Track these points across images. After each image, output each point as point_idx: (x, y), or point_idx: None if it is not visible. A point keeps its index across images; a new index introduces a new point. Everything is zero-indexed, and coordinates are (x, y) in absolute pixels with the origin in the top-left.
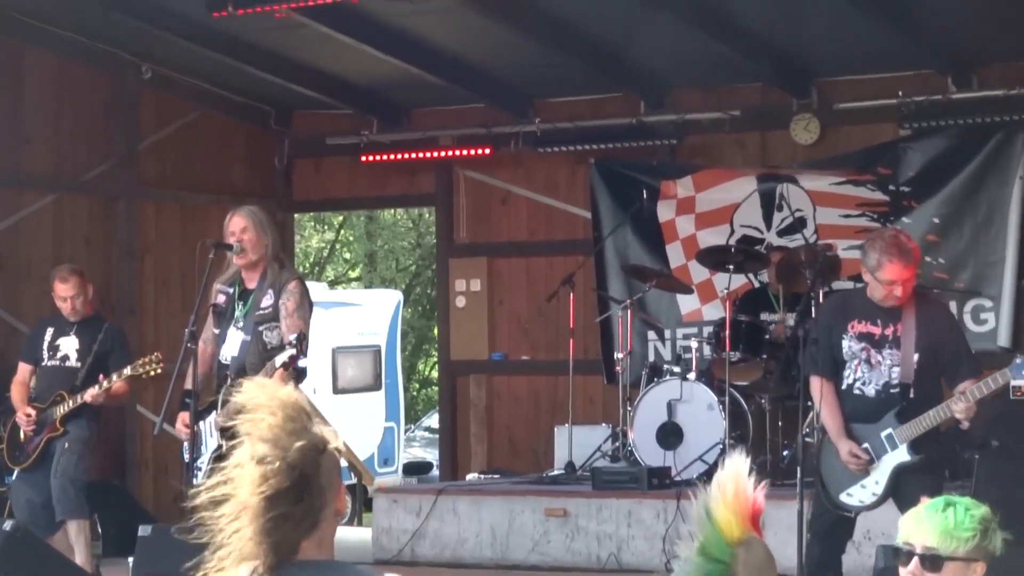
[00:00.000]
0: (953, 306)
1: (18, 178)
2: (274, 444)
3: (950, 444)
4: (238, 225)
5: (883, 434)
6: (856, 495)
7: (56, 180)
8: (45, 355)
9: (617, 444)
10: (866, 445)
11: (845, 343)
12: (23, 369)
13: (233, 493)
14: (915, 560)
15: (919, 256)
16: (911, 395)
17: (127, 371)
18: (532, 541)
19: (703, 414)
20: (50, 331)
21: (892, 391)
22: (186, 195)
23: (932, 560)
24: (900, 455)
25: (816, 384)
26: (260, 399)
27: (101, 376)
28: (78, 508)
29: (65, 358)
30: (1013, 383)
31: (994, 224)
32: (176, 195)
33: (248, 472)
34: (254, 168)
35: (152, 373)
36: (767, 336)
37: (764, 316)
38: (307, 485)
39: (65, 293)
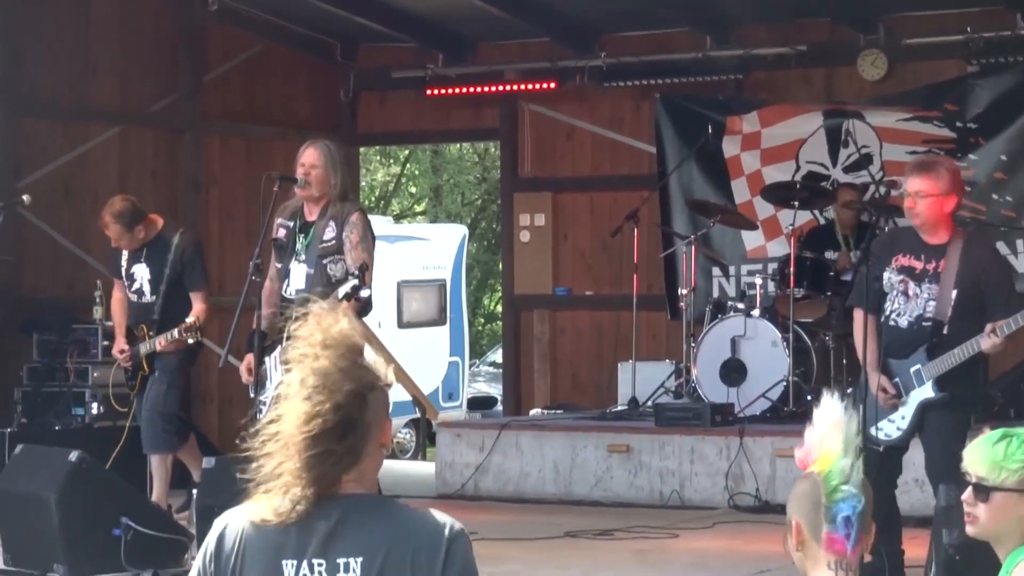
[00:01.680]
0: (1021, 244)
1: (85, 109)
2: (323, 384)
3: (982, 383)
4: (310, 158)
5: (912, 369)
6: (884, 428)
7: (122, 112)
8: (125, 281)
9: (680, 380)
10: (897, 380)
11: (886, 275)
12: (119, 285)
13: (280, 427)
14: (969, 489)
15: (947, 175)
16: (944, 331)
17: (172, 335)
18: (595, 477)
19: (767, 351)
20: (124, 255)
21: (924, 324)
22: (251, 128)
23: (981, 490)
24: (926, 391)
25: (857, 317)
26: (315, 335)
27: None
28: (163, 442)
29: (140, 292)
30: None
31: None
32: (241, 128)
33: (295, 409)
34: (319, 101)
35: (191, 340)
36: (831, 273)
37: (829, 253)
38: (351, 426)
39: (110, 234)
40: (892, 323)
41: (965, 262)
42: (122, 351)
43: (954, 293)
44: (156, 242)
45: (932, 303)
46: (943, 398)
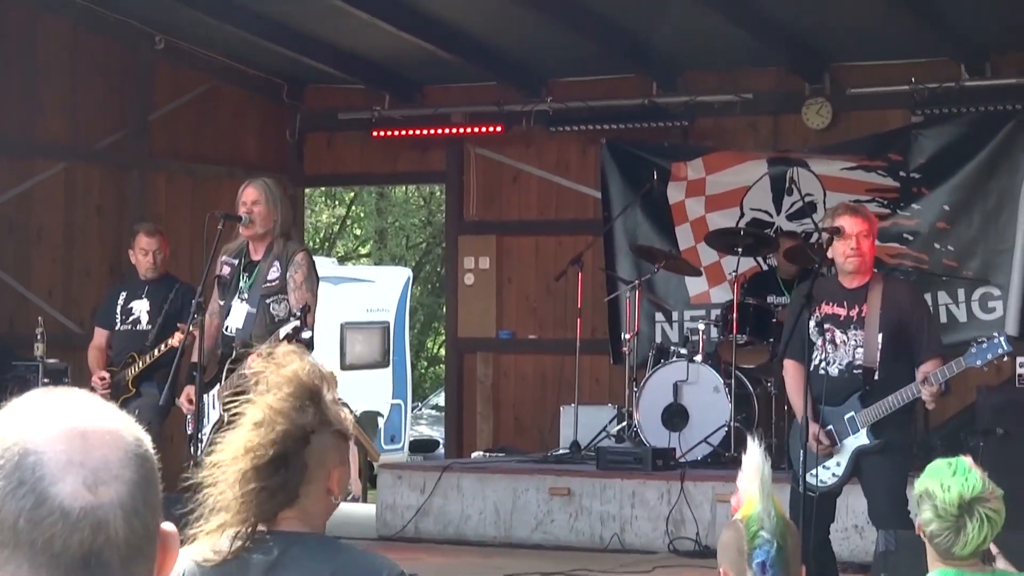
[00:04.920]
0: (962, 294)
1: (30, 146)
2: (263, 420)
3: (913, 428)
4: (250, 196)
5: (846, 417)
6: (820, 475)
7: (68, 149)
8: (118, 320)
9: (622, 425)
10: (830, 427)
11: (812, 324)
12: (99, 334)
13: (220, 458)
14: None
15: (874, 219)
16: (876, 377)
17: (168, 342)
18: (536, 520)
19: (709, 396)
20: (123, 295)
21: (855, 372)
22: (198, 167)
23: None
24: (860, 438)
25: (785, 367)
26: (269, 372)
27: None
28: None
29: (136, 321)
30: (987, 362)
31: (1004, 212)
32: (188, 167)
33: (235, 441)
34: (266, 141)
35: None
36: (774, 319)
37: (772, 299)
38: (284, 462)
39: (148, 247)
40: (822, 372)
41: (887, 304)
42: (102, 378)
43: (880, 337)
44: (163, 280)
45: (860, 349)
46: (878, 444)
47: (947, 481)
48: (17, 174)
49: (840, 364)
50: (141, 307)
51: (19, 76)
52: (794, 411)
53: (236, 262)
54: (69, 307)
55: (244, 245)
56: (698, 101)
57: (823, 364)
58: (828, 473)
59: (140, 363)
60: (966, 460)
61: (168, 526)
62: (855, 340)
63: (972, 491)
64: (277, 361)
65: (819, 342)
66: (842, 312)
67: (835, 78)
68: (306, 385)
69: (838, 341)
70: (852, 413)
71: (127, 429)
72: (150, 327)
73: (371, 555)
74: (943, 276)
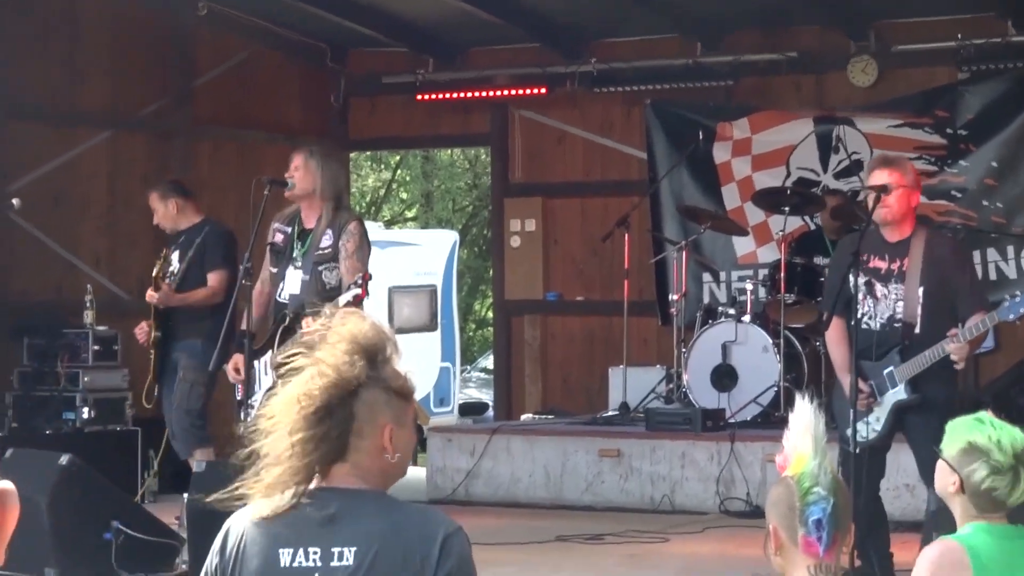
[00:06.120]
0: (1011, 251)
1: (74, 115)
2: (313, 371)
3: (959, 384)
4: (294, 161)
5: (885, 372)
6: (859, 431)
7: (112, 117)
8: (167, 276)
9: (671, 386)
10: (871, 382)
11: (852, 278)
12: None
13: (273, 408)
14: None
15: (912, 170)
16: (916, 332)
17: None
18: (586, 481)
19: (757, 356)
20: (167, 249)
21: (895, 325)
22: (241, 133)
23: (936, 451)
24: (899, 393)
25: (826, 323)
26: (327, 331)
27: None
28: (195, 439)
29: (172, 273)
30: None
31: None
32: (231, 133)
33: (287, 392)
34: (310, 106)
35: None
36: (821, 278)
37: (818, 259)
38: (330, 412)
39: (154, 206)
40: (864, 326)
41: (929, 260)
42: (141, 327)
43: (920, 291)
44: (192, 230)
45: (900, 303)
46: (915, 399)
47: (993, 434)
48: (62, 143)
49: (881, 318)
50: (175, 257)
51: (62, 45)
52: (836, 371)
53: (289, 230)
54: (116, 275)
55: (297, 213)
56: (742, 60)
57: (865, 318)
58: (868, 428)
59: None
60: (990, 414)
61: (5, 484)
62: (896, 294)
63: (1020, 440)
64: (335, 321)
65: (862, 296)
66: (883, 265)
67: (880, 35)
68: (360, 342)
69: (879, 295)
70: (891, 368)
71: None
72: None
73: (429, 511)
74: (992, 233)
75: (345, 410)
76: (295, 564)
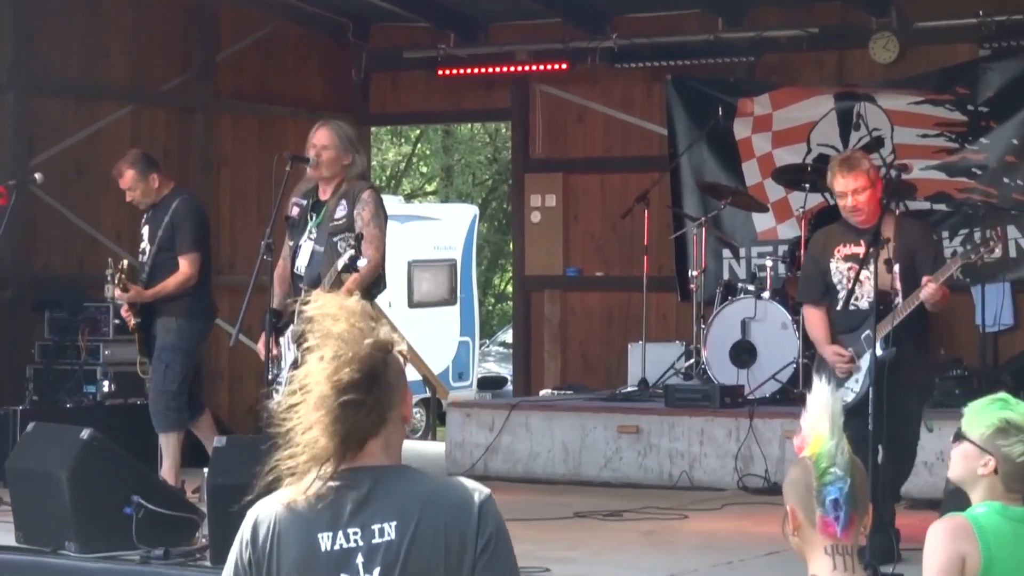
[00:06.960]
0: None
1: (96, 89)
2: (345, 342)
3: (931, 349)
4: (320, 140)
5: (863, 336)
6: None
7: (134, 91)
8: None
9: (690, 362)
10: (850, 349)
11: (833, 266)
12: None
13: (307, 389)
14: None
15: (869, 163)
16: (896, 301)
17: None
18: (604, 457)
19: (777, 333)
20: (144, 218)
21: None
22: (263, 108)
23: (957, 436)
24: (876, 350)
25: (804, 311)
26: (328, 308)
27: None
28: (166, 420)
29: (143, 251)
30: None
31: None
32: (253, 108)
33: (319, 367)
34: (331, 81)
35: (114, 274)
36: None
37: None
38: (376, 378)
39: (125, 185)
40: (853, 308)
41: (901, 239)
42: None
43: (896, 267)
44: (162, 203)
45: (883, 279)
46: (891, 353)
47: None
48: (84, 117)
49: (869, 297)
50: (146, 233)
51: (84, 20)
52: (817, 347)
53: (305, 202)
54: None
55: (313, 185)
56: (764, 36)
57: (853, 300)
58: (848, 392)
59: (110, 290)
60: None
61: None
62: (875, 273)
63: None
64: (334, 298)
65: (845, 282)
66: (860, 250)
67: (901, 12)
68: (368, 312)
69: (863, 277)
70: (868, 331)
71: None
72: (145, 257)
73: (455, 479)
74: (1012, 210)
75: (386, 377)
76: (336, 547)
